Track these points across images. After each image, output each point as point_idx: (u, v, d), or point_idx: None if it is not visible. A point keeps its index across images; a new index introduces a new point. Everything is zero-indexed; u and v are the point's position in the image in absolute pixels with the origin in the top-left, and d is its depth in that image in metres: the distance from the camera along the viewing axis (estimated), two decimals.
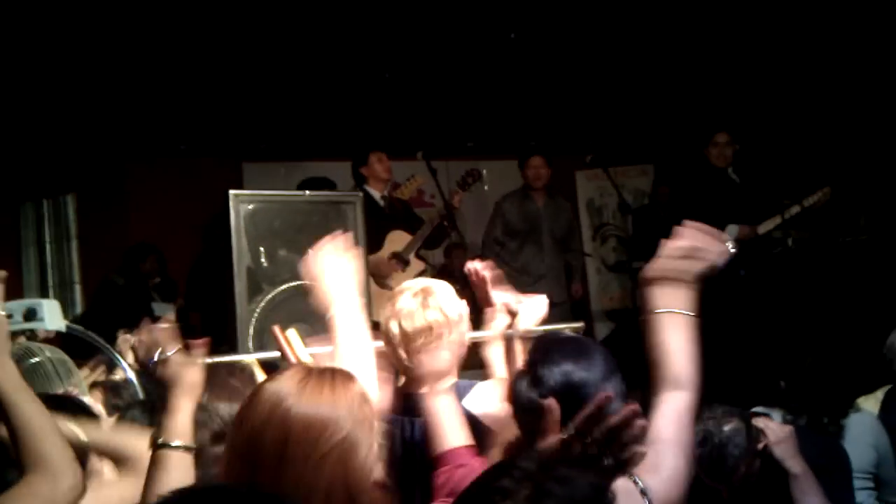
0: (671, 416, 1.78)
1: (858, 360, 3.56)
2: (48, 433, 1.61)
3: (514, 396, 1.82)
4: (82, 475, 1.67)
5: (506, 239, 6.09)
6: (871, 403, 3.49)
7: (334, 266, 2.15)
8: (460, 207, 5.61)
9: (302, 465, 1.46)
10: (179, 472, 1.67)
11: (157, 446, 1.70)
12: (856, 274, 5.83)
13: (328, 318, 2.10)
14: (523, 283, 5.55)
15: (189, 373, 1.82)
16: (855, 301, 5.54)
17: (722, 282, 5.89)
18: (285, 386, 1.54)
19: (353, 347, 2.05)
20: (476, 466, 1.86)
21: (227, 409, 1.99)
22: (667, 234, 1.94)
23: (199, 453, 1.94)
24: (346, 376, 1.63)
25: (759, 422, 2.63)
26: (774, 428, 2.59)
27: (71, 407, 2.04)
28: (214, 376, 2.12)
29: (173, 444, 1.70)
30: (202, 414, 1.99)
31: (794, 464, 2.51)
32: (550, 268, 6.08)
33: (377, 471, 1.54)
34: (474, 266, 2.54)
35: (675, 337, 1.80)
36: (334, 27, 6.09)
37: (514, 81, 6.95)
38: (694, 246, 1.87)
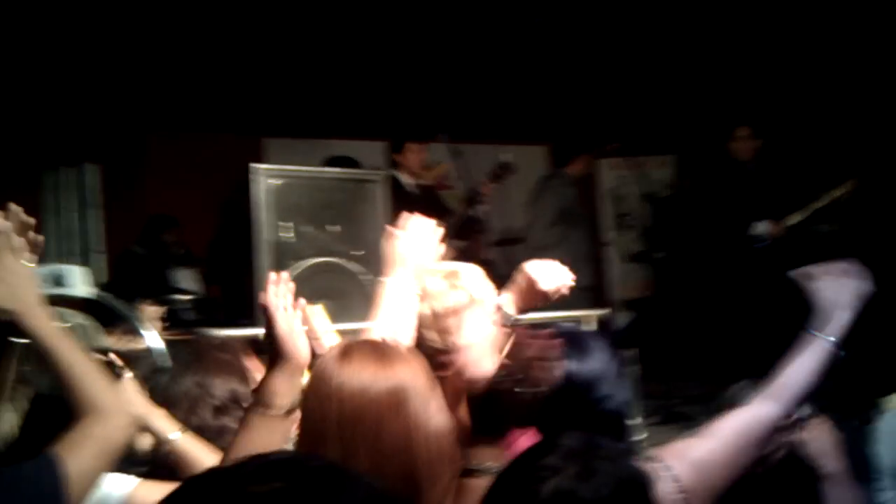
0: (743, 418, 1.79)
1: (888, 356, 3.51)
2: (95, 377, 1.64)
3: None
4: (132, 415, 1.69)
5: (556, 222, 5.94)
6: None
7: (419, 240, 2.28)
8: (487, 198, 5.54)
9: (360, 439, 1.50)
10: (275, 437, 1.65)
11: (258, 410, 1.67)
12: (884, 268, 5.76)
13: (379, 280, 2.18)
14: (570, 266, 5.53)
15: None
16: (881, 297, 5.47)
17: (752, 274, 5.85)
18: (330, 362, 1.59)
19: (388, 323, 2.10)
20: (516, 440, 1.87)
21: (222, 384, 2.02)
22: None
23: (201, 429, 1.96)
24: (385, 344, 1.68)
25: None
26: (813, 422, 2.54)
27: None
28: (206, 354, 2.12)
29: (274, 407, 1.68)
30: (199, 391, 2.01)
31: (828, 462, 2.46)
32: (587, 252, 6.03)
33: (440, 421, 1.57)
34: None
35: (810, 359, 1.83)
36: (360, 5, 6.06)
37: (539, 66, 6.90)
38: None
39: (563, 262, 2.40)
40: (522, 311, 2.32)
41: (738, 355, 2.85)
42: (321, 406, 1.55)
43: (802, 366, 1.85)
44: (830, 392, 3.08)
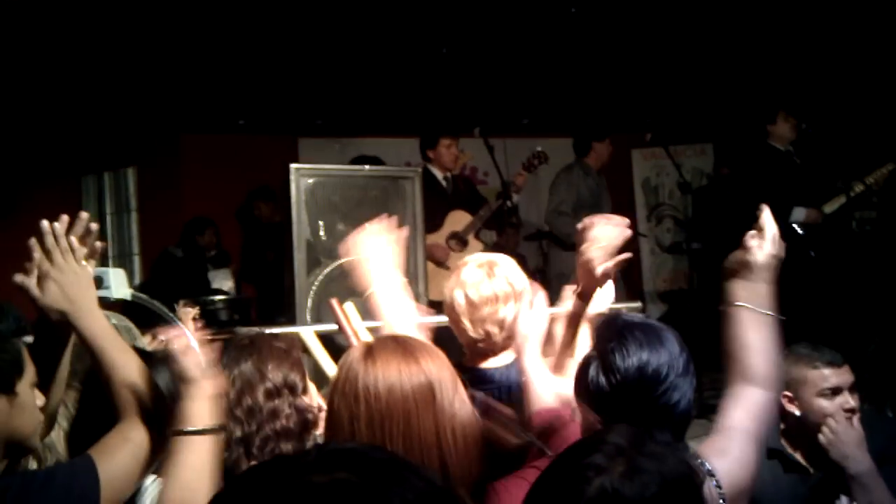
0: (747, 407, 1.78)
1: None
2: (139, 381, 1.65)
3: (581, 380, 1.78)
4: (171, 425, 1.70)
5: (571, 212, 5.89)
6: None
7: (375, 246, 2.25)
8: (521, 188, 5.53)
9: (391, 437, 1.52)
10: (199, 455, 1.63)
11: (177, 433, 1.65)
12: None
13: (367, 295, 2.21)
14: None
15: (193, 360, 1.75)
16: None
17: (793, 264, 5.81)
18: (355, 362, 1.60)
19: (398, 321, 2.12)
20: (562, 429, 1.87)
21: (276, 369, 2.06)
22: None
23: (252, 410, 1.99)
24: (408, 339, 1.69)
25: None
26: (833, 425, 2.49)
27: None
28: (261, 341, 2.17)
29: (190, 429, 1.65)
30: (253, 374, 2.05)
31: (850, 464, 2.42)
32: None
33: (466, 414, 1.58)
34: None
35: (753, 334, 1.81)
36: (390, 2, 6.06)
37: (571, 58, 6.86)
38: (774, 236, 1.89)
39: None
40: (585, 295, 2.19)
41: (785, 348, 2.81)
42: (349, 407, 1.56)
43: (757, 342, 1.82)
44: (869, 381, 3.04)
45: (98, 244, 1.75)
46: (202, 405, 1.66)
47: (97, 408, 1.79)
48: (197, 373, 1.68)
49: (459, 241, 5.30)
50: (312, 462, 0.84)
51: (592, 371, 1.74)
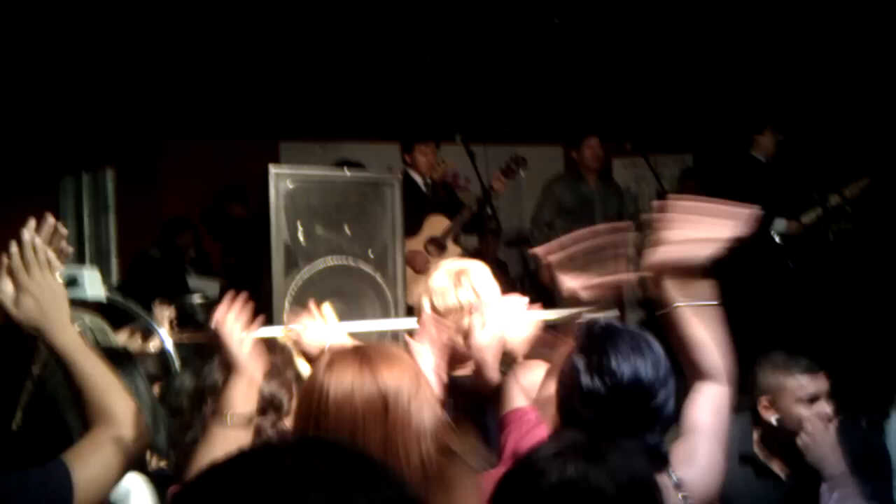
0: (706, 407, 1.79)
1: None
2: (110, 388, 1.67)
3: (569, 383, 1.78)
4: (146, 427, 1.72)
5: (556, 220, 5.91)
6: None
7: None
8: (499, 193, 5.53)
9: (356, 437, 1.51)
10: (233, 445, 1.66)
11: (217, 421, 1.74)
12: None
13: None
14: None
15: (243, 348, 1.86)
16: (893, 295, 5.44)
17: (771, 273, 5.83)
18: (319, 371, 1.63)
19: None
20: (532, 430, 1.88)
21: (266, 385, 2.03)
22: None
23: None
24: (372, 348, 1.69)
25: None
26: (811, 429, 2.51)
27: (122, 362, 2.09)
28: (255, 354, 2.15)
29: (234, 413, 1.75)
30: None
31: (826, 467, 2.44)
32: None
33: (426, 422, 1.57)
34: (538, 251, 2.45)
35: (700, 329, 1.79)
36: (374, 7, 6.07)
37: (554, 67, 6.89)
38: (696, 230, 1.87)
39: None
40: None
41: (752, 352, 2.84)
42: (308, 413, 1.58)
43: (706, 337, 1.83)
44: (846, 389, 3.07)
45: (69, 248, 1.75)
46: (242, 393, 1.77)
47: (60, 422, 1.81)
48: (242, 360, 1.77)
49: (438, 246, 5.30)
50: (290, 447, 0.89)
51: (584, 377, 1.73)
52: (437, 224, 5.35)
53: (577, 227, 6.19)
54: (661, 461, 1.69)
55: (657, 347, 1.78)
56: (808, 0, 6.12)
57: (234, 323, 1.85)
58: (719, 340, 1.81)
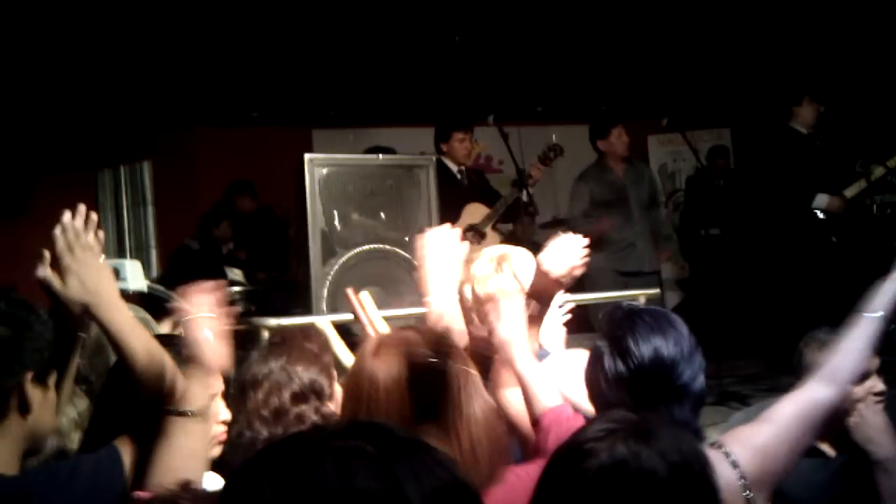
0: (800, 403, 1.78)
1: None
2: (165, 371, 1.65)
3: (595, 371, 1.79)
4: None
5: (591, 211, 5.78)
6: None
7: (443, 253, 2.22)
8: (536, 180, 5.43)
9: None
10: (193, 438, 1.64)
11: (173, 413, 1.65)
12: None
13: (425, 301, 2.19)
14: (612, 252, 5.47)
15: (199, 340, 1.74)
16: None
17: (816, 250, 5.73)
18: (366, 358, 1.61)
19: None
20: (571, 425, 1.84)
21: (305, 372, 2.03)
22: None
23: (279, 412, 1.97)
24: (418, 336, 1.67)
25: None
26: (861, 409, 2.46)
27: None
28: (293, 340, 2.15)
29: (187, 409, 1.65)
30: (282, 375, 2.03)
31: (874, 448, 2.38)
32: (640, 235, 5.78)
33: (477, 409, 1.56)
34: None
35: (860, 338, 1.84)
36: None
37: (585, 44, 6.82)
38: None
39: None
40: (536, 298, 2.29)
41: (798, 331, 2.79)
42: (355, 400, 1.57)
43: (854, 345, 1.82)
44: (889, 366, 3.00)
45: (100, 234, 1.75)
46: (201, 387, 1.67)
47: (112, 412, 1.79)
48: (202, 354, 1.68)
49: (477, 234, 5.26)
50: (339, 431, 0.87)
51: (607, 360, 1.76)
52: (475, 212, 5.32)
53: (612, 215, 6.08)
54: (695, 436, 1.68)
55: (680, 326, 1.80)
56: None
57: (200, 312, 1.72)
58: (866, 354, 1.84)
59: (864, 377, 2.53)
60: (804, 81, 5.69)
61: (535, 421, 1.90)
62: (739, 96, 7.37)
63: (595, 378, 1.79)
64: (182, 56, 6.33)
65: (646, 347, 1.74)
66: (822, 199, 5.20)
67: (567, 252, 2.34)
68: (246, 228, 6.52)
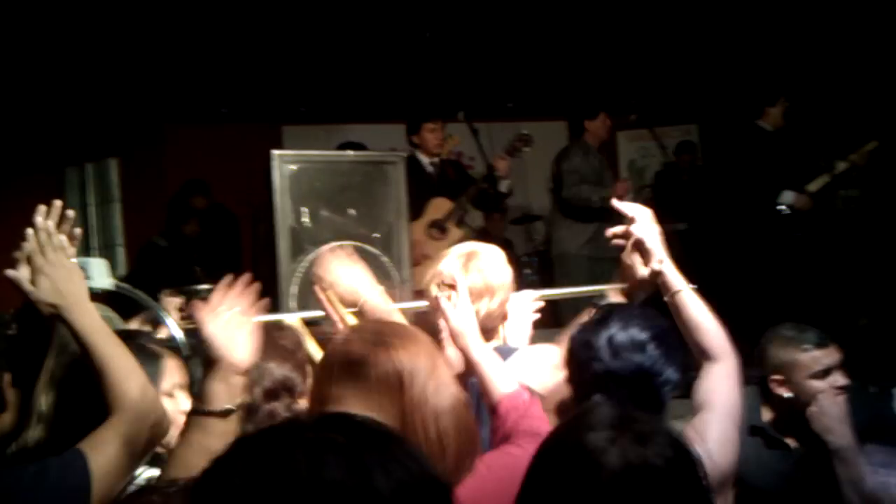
0: (712, 385, 1.84)
1: None
2: (130, 372, 1.65)
3: (575, 360, 1.83)
4: (166, 413, 1.71)
5: (572, 185, 5.80)
6: None
7: (346, 270, 2.33)
8: (503, 172, 5.41)
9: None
10: (213, 437, 1.61)
11: (199, 412, 1.65)
12: None
13: (360, 304, 2.27)
14: (586, 237, 5.51)
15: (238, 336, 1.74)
16: None
17: (780, 245, 5.82)
18: (335, 348, 1.63)
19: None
20: (528, 409, 1.87)
21: (277, 368, 2.03)
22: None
23: (251, 410, 1.97)
24: (387, 325, 1.72)
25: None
26: (820, 399, 2.51)
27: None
28: (265, 336, 2.14)
29: (208, 409, 1.65)
30: (254, 372, 2.02)
31: (834, 438, 2.43)
32: (621, 182, 5.94)
33: (443, 400, 1.56)
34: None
35: (701, 311, 1.94)
36: None
37: (555, 41, 6.84)
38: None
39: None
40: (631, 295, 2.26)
41: (762, 325, 2.83)
42: (322, 391, 1.57)
43: (701, 319, 1.92)
44: (857, 356, 3.07)
45: (77, 231, 1.75)
46: (223, 386, 1.66)
47: (76, 409, 1.78)
48: (225, 353, 1.67)
49: (439, 229, 5.23)
50: (312, 423, 0.90)
51: (586, 350, 1.84)
52: (440, 206, 5.27)
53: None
54: None
55: (659, 319, 1.89)
56: None
57: (226, 312, 1.72)
58: (711, 320, 1.92)
59: (826, 372, 2.58)
60: (777, 81, 5.76)
61: (493, 407, 1.92)
62: (707, 93, 7.44)
63: (576, 367, 1.89)
64: (149, 52, 6.27)
65: (626, 338, 1.83)
66: (788, 196, 5.27)
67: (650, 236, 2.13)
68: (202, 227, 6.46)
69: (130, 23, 5.91)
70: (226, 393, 1.65)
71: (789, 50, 6.66)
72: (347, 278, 2.32)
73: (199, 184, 6.56)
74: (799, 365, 2.59)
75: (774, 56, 6.65)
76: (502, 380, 1.93)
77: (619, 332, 1.83)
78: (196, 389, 2.25)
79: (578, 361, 1.87)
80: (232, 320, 1.70)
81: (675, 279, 1.96)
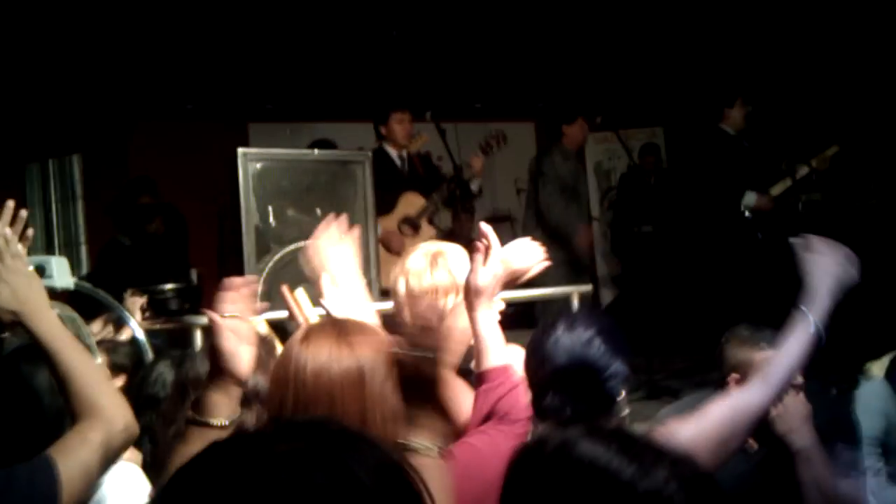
0: (733, 403, 1.84)
1: (868, 325, 3.53)
2: (95, 379, 1.65)
3: (533, 360, 1.87)
4: (133, 418, 1.69)
5: (559, 198, 5.81)
6: (878, 369, 3.46)
7: (335, 254, 2.27)
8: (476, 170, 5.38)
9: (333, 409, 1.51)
10: None
11: (200, 423, 1.64)
12: (866, 238, 5.79)
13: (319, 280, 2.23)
14: (564, 240, 5.53)
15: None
16: (863, 266, 5.50)
17: (741, 246, 5.90)
18: (291, 345, 1.62)
19: (350, 306, 2.16)
20: (512, 390, 1.91)
21: (250, 377, 2.01)
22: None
23: None
24: (347, 323, 1.69)
25: None
26: (785, 400, 2.53)
27: None
28: None
29: (208, 421, 1.63)
30: None
31: (796, 438, 2.46)
32: (585, 227, 5.98)
33: (395, 403, 1.56)
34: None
35: (797, 345, 1.91)
36: None
37: (522, 41, 6.87)
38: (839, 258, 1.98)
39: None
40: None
41: (724, 327, 2.87)
42: (280, 389, 1.57)
43: (790, 351, 1.89)
44: (813, 360, 3.11)
45: (29, 231, 1.74)
46: (225, 398, 1.64)
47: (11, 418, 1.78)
48: (227, 363, 1.64)
49: (412, 226, 5.24)
50: (274, 434, 0.89)
51: (537, 353, 1.89)
52: (412, 202, 5.28)
53: (570, 203, 6.12)
54: None
55: (606, 320, 1.94)
56: None
57: (240, 313, 1.67)
58: (800, 362, 1.92)
59: None
60: (734, 83, 5.84)
61: (480, 376, 1.94)
62: (672, 96, 7.51)
63: (532, 367, 1.91)
64: (114, 46, 6.19)
65: (573, 339, 1.87)
66: (750, 198, 5.35)
67: (530, 249, 2.26)
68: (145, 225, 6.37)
69: (95, 17, 5.84)
70: (227, 406, 1.64)
71: (752, 55, 6.76)
72: (333, 264, 2.26)
73: (145, 181, 6.47)
74: (755, 364, 2.62)
75: (738, 60, 6.74)
76: (497, 352, 1.96)
77: (565, 333, 1.87)
78: (157, 391, 2.23)
79: (531, 364, 1.91)
80: (234, 326, 1.65)
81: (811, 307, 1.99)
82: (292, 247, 3.92)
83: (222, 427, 1.63)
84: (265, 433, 0.92)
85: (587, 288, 4.25)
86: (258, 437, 0.90)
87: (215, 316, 1.66)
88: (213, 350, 1.66)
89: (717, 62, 6.81)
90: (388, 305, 2.61)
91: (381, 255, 4.55)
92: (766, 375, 1.89)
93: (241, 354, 1.65)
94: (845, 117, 6.43)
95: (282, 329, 2.81)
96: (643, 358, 5.28)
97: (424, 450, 1.53)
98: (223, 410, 1.64)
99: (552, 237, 5.46)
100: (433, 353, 1.57)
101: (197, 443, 1.61)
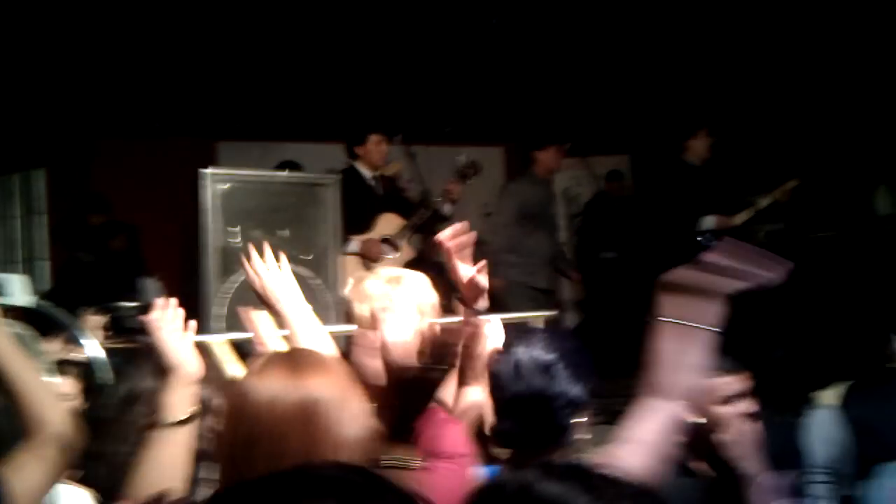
0: (655, 422, 1.80)
1: (819, 354, 3.60)
2: (43, 395, 1.66)
3: (491, 385, 1.87)
4: (78, 433, 1.72)
5: (515, 223, 5.81)
6: (827, 398, 3.52)
7: (276, 279, 2.29)
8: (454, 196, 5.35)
9: (262, 454, 1.47)
10: (173, 447, 1.70)
11: (155, 426, 1.72)
12: (824, 269, 5.90)
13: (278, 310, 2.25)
14: (529, 267, 5.55)
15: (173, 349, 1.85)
16: (819, 296, 5.60)
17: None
18: (248, 374, 1.62)
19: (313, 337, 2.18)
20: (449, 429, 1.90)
21: (203, 390, 2.00)
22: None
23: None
24: (302, 353, 1.70)
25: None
26: (735, 425, 2.56)
27: None
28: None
29: (168, 421, 1.73)
30: (207, 399, 2.01)
31: (748, 465, 2.48)
32: (556, 255, 6.01)
33: (355, 430, 1.55)
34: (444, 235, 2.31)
35: (674, 348, 1.81)
36: (312, 7, 6.04)
37: (493, 67, 6.94)
38: (735, 265, 1.87)
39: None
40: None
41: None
42: (232, 420, 1.55)
43: (678, 357, 1.85)
44: (769, 387, 3.16)
45: None
46: (180, 395, 1.75)
47: None
48: (179, 364, 1.76)
49: (392, 246, 5.22)
50: (297, 489, 0.88)
51: (496, 374, 1.92)
52: (390, 222, 5.25)
53: (537, 230, 6.16)
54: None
55: (547, 339, 1.95)
56: (737, 4, 6.27)
57: (170, 325, 1.85)
58: (692, 364, 1.83)
59: (734, 398, 2.65)
60: (699, 114, 5.94)
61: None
62: (638, 124, 7.61)
63: (494, 388, 1.93)
64: (80, 62, 6.16)
65: (530, 357, 1.90)
66: (709, 221, 5.43)
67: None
68: (94, 243, 6.34)
69: (62, 33, 5.81)
70: (181, 403, 1.74)
71: (717, 87, 6.88)
72: (277, 289, 2.30)
73: (96, 199, 6.42)
74: (710, 389, 2.65)
75: (703, 91, 6.86)
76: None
77: (524, 355, 1.89)
78: (107, 412, 2.22)
79: (491, 386, 1.93)
80: (183, 332, 1.80)
81: (666, 307, 1.96)
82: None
83: (180, 423, 1.71)
84: (292, 485, 0.90)
85: (553, 313, 4.29)
86: (287, 491, 0.89)
87: (151, 320, 1.82)
88: (161, 352, 1.77)
89: (683, 91, 6.92)
90: (348, 328, 2.62)
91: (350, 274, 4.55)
92: (666, 387, 1.87)
93: (188, 355, 1.78)
94: (805, 152, 6.56)
95: (245, 350, 2.81)
96: (605, 382, 5.30)
97: (404, 464, 1.57)
98: (178, 409, 1.72)
99: (516, 260, 5.53)
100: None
101: (157, 447, 1.68)
